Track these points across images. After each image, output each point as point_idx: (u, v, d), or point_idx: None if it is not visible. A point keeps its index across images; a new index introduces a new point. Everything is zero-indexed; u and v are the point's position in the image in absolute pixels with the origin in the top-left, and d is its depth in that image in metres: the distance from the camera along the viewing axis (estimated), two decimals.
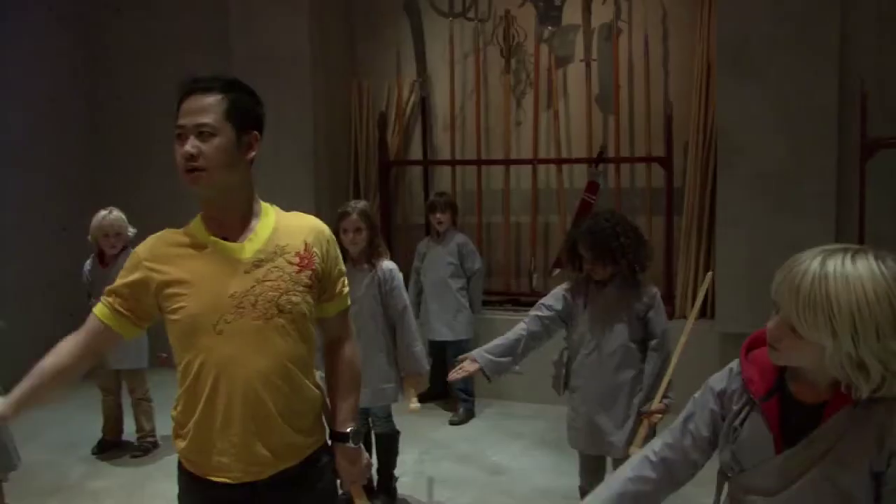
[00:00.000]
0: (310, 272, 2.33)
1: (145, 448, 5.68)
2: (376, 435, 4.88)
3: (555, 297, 3.95)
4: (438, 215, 6.35)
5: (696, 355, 5.66)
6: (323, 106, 7.23)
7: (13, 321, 6.50)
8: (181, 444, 2.40)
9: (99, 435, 5.78)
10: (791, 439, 1.87)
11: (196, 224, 2.38)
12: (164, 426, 5.72)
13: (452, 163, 7.33)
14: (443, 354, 6.59)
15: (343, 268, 2.50)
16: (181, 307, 2.27)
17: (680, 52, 6.74)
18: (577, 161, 6.95)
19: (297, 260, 2.32)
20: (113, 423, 5.80)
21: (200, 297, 2.26)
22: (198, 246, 2.32)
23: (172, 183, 8.18)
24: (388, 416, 4.85)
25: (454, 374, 3.78)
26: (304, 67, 7.09)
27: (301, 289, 2.31)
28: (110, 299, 2.37)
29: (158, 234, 2.42)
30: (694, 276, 6.43)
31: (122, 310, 2.35)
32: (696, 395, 2.08)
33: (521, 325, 3.92)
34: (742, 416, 1.95)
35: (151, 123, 7.79)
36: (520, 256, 7.27)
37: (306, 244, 2.35)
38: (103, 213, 5.51)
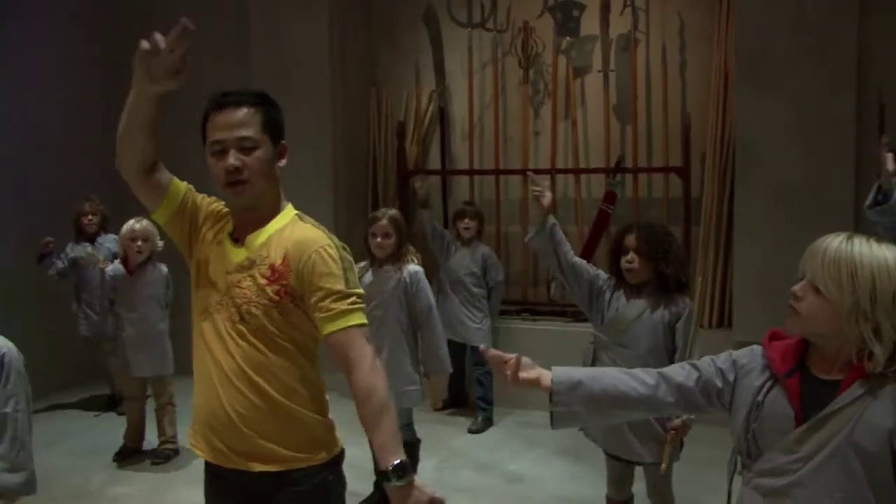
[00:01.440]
0: (278, 287, 2.29)
1: (166, 455, 5.71)
2: None
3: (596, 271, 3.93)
4: (466, 221, 6.39)
5: None
6: (342, 115, 7.28)
7: (35, 323, 6.61)
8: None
9: (120, 441, 5.83)
10: (809, 417, 1.93)
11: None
12: (182, 434, 5.79)
13: (471, 172, 7.36)
14: (461, 361, 6.62)
15: (339, 287, 2.29)
16: (195, 280, 2.44)
17: (697, 63, 6.76)
18: (595, 171, 6.98)
19: (268, 273, 2.31)
20: (136, 429, 5.84)
21: (201, 282, 2.41)
22: (221, 229, 2.45)
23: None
24: (410, 424, 4.85)
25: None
26: (323, 77, 7.14)
27: (265, 302, 2.29)
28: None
29: (216, 201, 2.54)
30: (711, 287, 6.43)
31: (184, 189, 2.54)
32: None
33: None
34: (765, 391, 2.03)
35: (173, 131, 7.83)
36: (537, 266, 7.29)
37: (285, 257, 2.31)
38: (133, 220, 5.56)
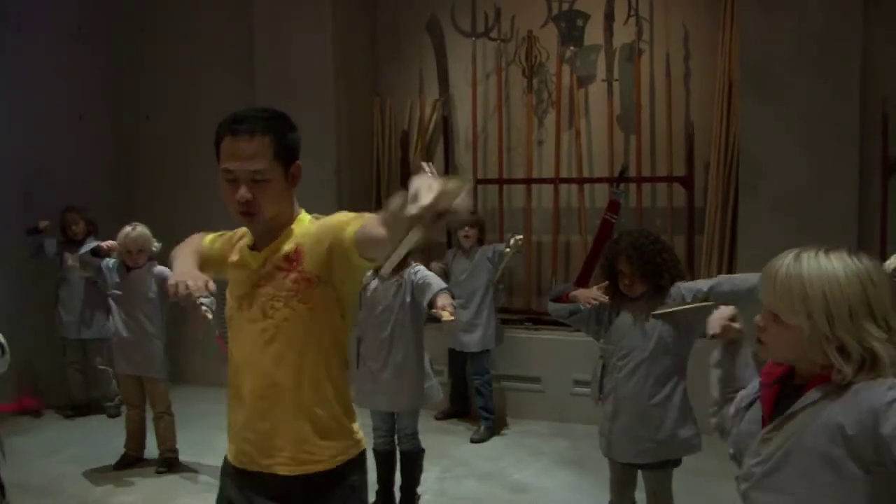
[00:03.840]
0: (295, 275, 2.32)
1: (169, 463, 5.71)
2: (401, 452, 4.90)
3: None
4: (466, 229, 6.36)
5: None
6: (346, 124, 7.29)
7: (42, 331, 6.61)
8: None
9: (121, 450, 5.81)
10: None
11: (244, 231, 2.52)
12: (183, 442, 5.78)
13: (475, 182, 7.35)
14: (462, 368, 6.61)
15: (354, 214, 2.29)
16: (228, 303, 2.47)
17: (701, 72, 6.76)
18: (599, 180, 6.98)
19: (284, 264, 2.34)
20: (136, 438, 5.83)
21: (231, 300, 2.45)
22: (242, 247, 2.47)
23: (197, 198, 8.32)
24: (415, 434, 4.86)
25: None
26: (327, 86, 7.15)
27: (284, 294, 2.33)
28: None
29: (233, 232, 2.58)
30: None
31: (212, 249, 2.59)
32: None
33: None
34: (749, 400, 2.05)
35: (177, 141, 7.89)
36: (541, 275, 7.28)
37: (297, 246, 2.35)
38: (128, 228, 5.58)
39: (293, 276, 2.31)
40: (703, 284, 3.87)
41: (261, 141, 2.25)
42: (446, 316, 4.42)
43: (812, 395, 1.85)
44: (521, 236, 6.18)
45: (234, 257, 2.48)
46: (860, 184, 5.74)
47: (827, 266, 1.83)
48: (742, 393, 2.12)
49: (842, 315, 1.78)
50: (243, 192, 2.25)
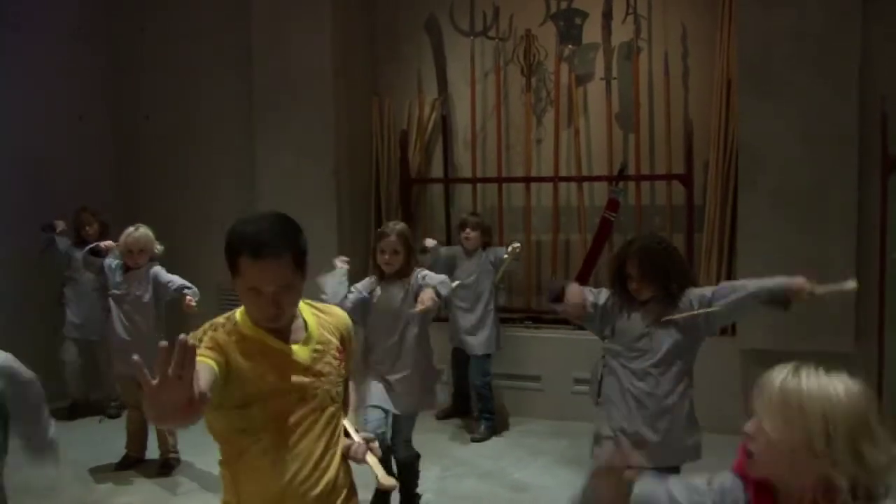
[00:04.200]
0: (344, 363, 2.61)
1: (171, 464, 5.72)
2: (398, 462, 4.89)
3: (596, 295, 3.90)
4: (467, 231, 6.35)
5: (718, 372, 5.68)
6: (345, 124, 7.28)
7: (42, 333, 6.61)
8: None
9: (122, 451, 5.80)
10: None
11: (244, 322, 2.45)
12: (183, 443, 5.78)
13: (474, 181, 7.36)
14: (465, 369, 6.62)
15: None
16: (247, 397, 2.37)
17: (700, 70, 6.76)
18: (598, 179, 6.98)
19: (338, 355, 2.57)
20: (137, 439, 5.83)
21: (271, 394, 2.40)
22: (255, 342, 2.42)
23: (197, 197, 8.34)
24: (409, 441, 4.86)
25: None
26: (325, 86, 7.14)
27: (341, 379, 2.58)
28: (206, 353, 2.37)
29: (210, 328, 2.44)
30: None
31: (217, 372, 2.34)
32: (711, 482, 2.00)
33: None
34: None
35: (177, 140, 7.89)
36: (541, 274, 7.28)
37: (342, 338, 2.61)
38: (130, 229, 5.57)
39: (343, 363, 2.60)
40: (707, 291, 3.86)
41: (284, 260, 2.34)
42: (419, 307, 4.48)
43: None
44: (518, 244, 6.19)
45: (259, 348, 2.43)
46: (859, 181, 5.74)
47: (827, 385, 1.76)
48: None
49: (840, 434, 1.70)
50: (271, 309, 2.36)
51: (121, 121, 8.14)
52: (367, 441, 2.59)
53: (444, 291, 4.66)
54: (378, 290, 4.70)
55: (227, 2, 7.73)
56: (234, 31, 7.58)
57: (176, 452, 5.76)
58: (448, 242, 6.96)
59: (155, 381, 1.81)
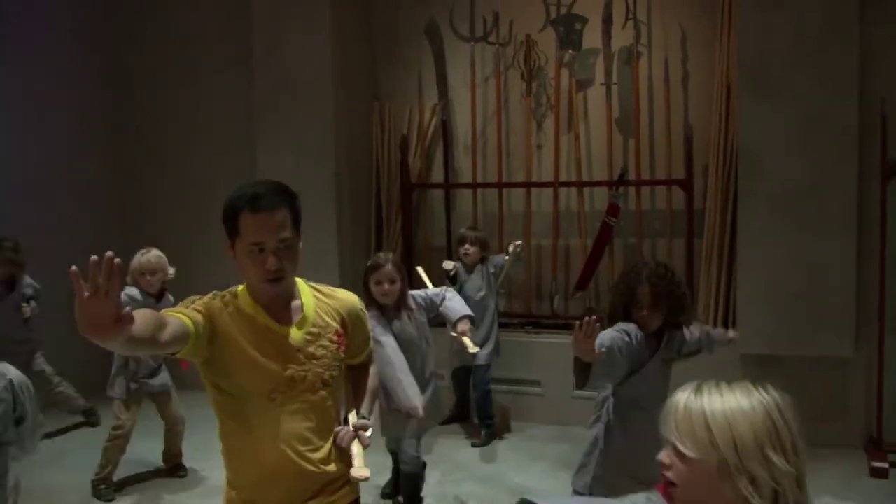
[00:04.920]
0: (344, 347, 2.66)
1: (174, 468, 5.76)
2: (403, 471, 4.91)
3: (628, 331, 3.60)
4: (466, 246, 6.33)
5: (718, 377, 5.67)
6: (345, 129, 7.28)
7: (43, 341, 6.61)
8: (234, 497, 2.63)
9: (125, 459, 5.73)
10: None
11: (243, 297, 2.56)
12: (191, 447, 5.79)
13: (474, 186, 7.37)
14: (466, 378, 6.62)
15: (369, 329, 2.82)
16: (237, 372, 2.49)
17: (699, 74, 6.76)
18: (598, 184, 6.98)
19: (336, 339, 2.63)
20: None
21: (257, 369, 2.50)
22: (250, 318, 2.52)
23: (196, 199, 8.32)
24: (417, 455, 4.88)
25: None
26: (325, 91, 7.14)
27: (338, 363, 2.63)
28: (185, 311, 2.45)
29: (210, 296, 2.57)
30: (715, 299, 6.42)
31: (195, 324, 2.42)
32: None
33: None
34: None
35: (176, 146, 7.90)
36: (541, 279, 7.29)
37: (343, 322, 2.66)
38: (139, 254, 5.39)
39: (343, 348, 2.65)
40: (696, 331, 3.85)
41: (283, 213, 2.45)
42: (471, 347, 4.61)
43: None
44: (519, 243, 6.20)
45: (251, 326, 2.52)
46: (859, 184, 5.74)
47: (728, 394, 1.76)
48: None
49: (748, 446, 1.71)
50: (273, 261, 2.43)
51: (120, 123, 8.15)
52: (358, 428, 2.60)
53: (470, 312, 4.86)
54: (396, 325, 4.68)
55: (227, 4, 7.74)
56: (234, 33, 7.58)
57: (180, 456, 5.78)
58: (448, 247, 6.96)
59: (86, 294, 1.87)
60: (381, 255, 4.79)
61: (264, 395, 2.49)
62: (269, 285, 2.47)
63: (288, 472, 2.53)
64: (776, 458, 1.70)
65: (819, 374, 5.93)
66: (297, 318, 2.57)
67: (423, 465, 4.97)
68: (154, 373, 5.52)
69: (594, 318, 3.17)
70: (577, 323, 3.14)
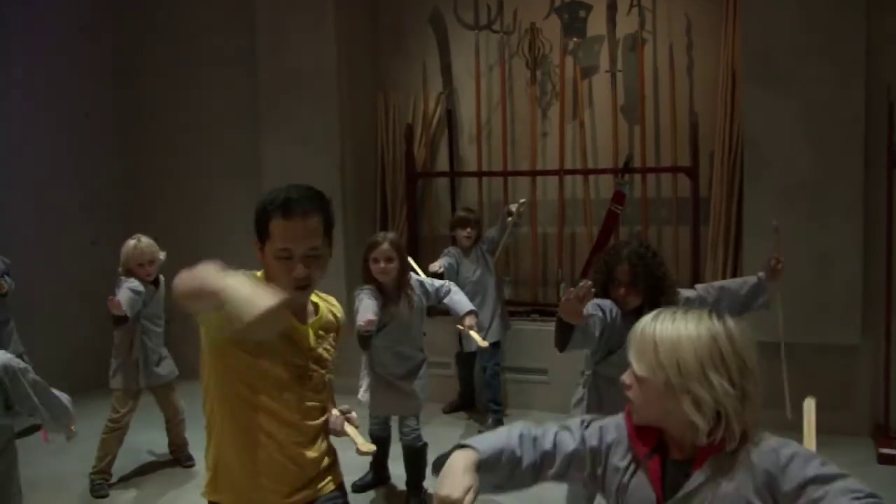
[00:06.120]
0: (335, 351, 2.70)
1: (190, 457, 5.80)
2: (404, 447, 4.93)
3: (602, 307, 3.65)
4: (468, 230, 6.34)
5: None
6: (349, 119, 7.28)
7: (44, 333, 6.62)
8: (222, 491, 2.67)
9: (127, 450, 5.71)
10: (669, 499, 1.93)
11: None
12: (193, 440, 5.79)
13: (479, 174, 7.36)
14: (470, 364, 6.62)
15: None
16: (264, 354, 2.47)
17: (704, 62, 6.74)
18: (604, 171, 6.97)
19: (334, 342, 2.68)
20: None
21: (280, 358, 2.51)
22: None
23: (201, 196, 8.32)
24: (417, 428, 4.91)
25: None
26: (330, 81, 7.14)
27: (332, 367, 2.68)
28: None
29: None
30: None
31: None
32: (593, 421, 2.12)
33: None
34: (630, 472, 2.00)
35: (181, 139, 7.89)
36: (547, 267, 7.29)
37: (339, 328, 2.72)
38: (132, 241, 5.30)
39: (336, 351, 2.69)
40: (691, 293, 3.88)
41: (315, 220, 2.44)
42: (480, 341, 4.67)
43: (703, 472, 1.88)
44: (523, 200, 6.32)
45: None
46: (866, 172, 5.72)
47: (679, 320, 1.90)
48: (605, 441, 2.07)
49: (690, 368, 1.84)
50: (301, 269, 2.42)
51: (126, 119, 8.15)
52: (344, 413, 2.63)
53: (473, 306, 4.94)
54: (393, 307, 4.76)
55: None
56: (238, 26, 7.58)
57: (185, 447, 5.79)
58: (452, 237, 6.95)
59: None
60: (381, 233, 4.84)
61: (277, 389, 2.50)
62: (295, 292, 2.44)
63: (282, 471, 2.55)
64: (717, 381, 1.82)
65: (826, 362, 5.93)
66: (311, 319, 2.60)
67: (425, 444, 4.97)
68: (160, 361, 5.51)
69: (589, 283, 3.27)
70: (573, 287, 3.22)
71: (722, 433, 1.84)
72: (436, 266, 6.02)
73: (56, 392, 3.59)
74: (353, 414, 2.66)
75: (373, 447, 2.56)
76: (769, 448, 1.83)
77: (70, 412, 3.66)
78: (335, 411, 2.67)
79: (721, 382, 1.82)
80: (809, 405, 2.62)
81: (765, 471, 1.81)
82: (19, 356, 6.28)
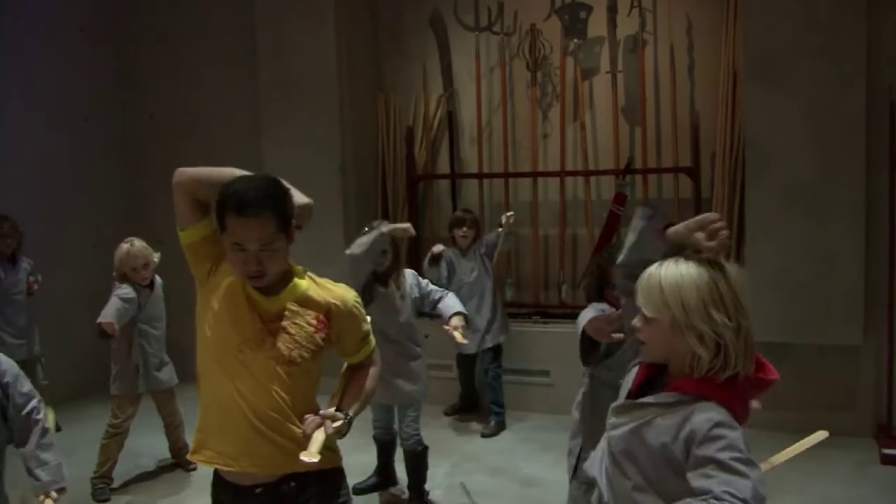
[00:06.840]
0: (323, 335, 2.64)
1: (179, 462, 5.75)
2: (405, 451, 4.92)
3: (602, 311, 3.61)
4: (464, 230, 6.35)
5: None
6: (350, 121, 7.28)
7: (46, 337, 6.60)
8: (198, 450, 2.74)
9: (126, 456, 5.65)
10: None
11: None
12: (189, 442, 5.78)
13: (480, 176, 7.36)
14: (471, 367, 6.61)
15: (368, 326, 2.81)
16: (222, 304, 2.60)
17: (705, 62, 6.74)
18: (605, 173, 6.96)
19: (315, 322, 2.63)
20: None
21: (220, 319, 2.60)
22: (238, 282, 2.61)
23: None
24: (417, 431, 4.90)
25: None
26: (331, 83, 7.14)
27: (313, 347, 2.62)
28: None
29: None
30: None
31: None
32: None
33: None
34: (631, 375, 2.33)
35: (181, 141, 7.88)
36: (548, 269, 7.28)
37: (328, 311, 2.66)
38: (125, 245, 5.26)
39: (322, 335, 2.64)
40: None
41: (266, 219, 2.45)
42: (459, 338, 4.61)
43: (663, 396, 2.11)
44: (511, 213, 6.32)
45: (238, 284, 2.61)
46: (867, 172, 5.71)
47: (682, 268, 2.10)
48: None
49: (693, 306, 2.05)
50: (252, 263, 2.48)
51: (127, 120, 8.15)
52: (327, 417, 2.55)
53: (464, 310, 4.91)
54: (386, 294, 4.80)
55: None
56: (238, 28, 7.59)
57: (186, 449, 5.77)
58: (453, 238, 6.94)
59: None
60: (375, 223, 4.89)
61: (234, 346, 2.56)
62: (250, 281, 2.54)
63: (242, 428, 2.58)
64: (717, 316, 2.03)
65: (828, 363, 5.92)
66: (280, 291, 2.61)
67: (426, 447, 4.97)
68: (162, 365, 5.51)
69: (619, 313, 3.23)
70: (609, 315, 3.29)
71: (721, 363, 2.04)
72: (438, 248, 6.21)
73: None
74: (335, 423, 2.53)
75: (315, 459, 2.46)
76: (707, 417, 1.99)
77: (62, 471, 3.54)
78: (322, 412, 2.60)
79: (720, 317, 2.03)
80: (818, 436, 2.94)
81: (692, 430, 1.98)
82: (38, 360, 6.39)
